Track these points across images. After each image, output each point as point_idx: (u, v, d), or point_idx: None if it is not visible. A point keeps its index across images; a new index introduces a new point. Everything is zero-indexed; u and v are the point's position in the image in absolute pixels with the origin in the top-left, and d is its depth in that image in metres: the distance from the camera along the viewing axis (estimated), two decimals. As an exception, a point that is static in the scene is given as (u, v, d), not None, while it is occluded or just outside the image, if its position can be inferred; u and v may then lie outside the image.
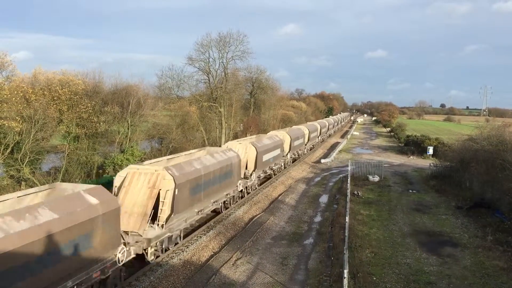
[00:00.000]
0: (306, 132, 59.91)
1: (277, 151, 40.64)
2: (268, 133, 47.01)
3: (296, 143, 51.01)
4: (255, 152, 32.76)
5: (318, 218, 28.92)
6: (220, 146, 44.31)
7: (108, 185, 21.91)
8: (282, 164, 44.31)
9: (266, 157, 36.01)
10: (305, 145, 59.18)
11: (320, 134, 75.01)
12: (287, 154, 46.55)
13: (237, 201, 29.50)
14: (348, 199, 30.28)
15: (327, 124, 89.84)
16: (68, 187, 15.51)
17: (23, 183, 32.01)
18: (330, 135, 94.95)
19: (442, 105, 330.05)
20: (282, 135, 46.02)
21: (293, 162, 50.79)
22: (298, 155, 54.33)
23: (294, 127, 60.73)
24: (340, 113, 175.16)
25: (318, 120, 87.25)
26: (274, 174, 40.85)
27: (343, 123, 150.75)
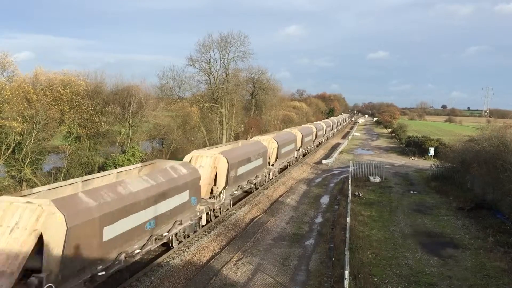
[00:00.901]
0: (272, 146, 39.91)
1: (181, 197, 20.52)
2: (178, 160, 25.14)
3: (244, 169, 30.01)
4: (64, 229, 12.76)
5: (319, 219, 28.90)
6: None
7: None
8: (196, 227, 22.78)
9: (122, 226, 15.66)
10: (271, 165, 37.46)
11: (302, 145, 52.75)
12: (220, 193, 25.91)
13: None
14: (349, 200, 30.24)
15: (314, 130, 64.64)
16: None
17: (24, 183, 32.09)
18: (320, 144, 74.30)
19: (444, 106, 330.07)
20: (210, 160, 26.13)
21: (234, 203, 29.06)
22: (254, 186, 33.42)
23: (256, 137, 40.95)
24: (341, 114, 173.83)
25: (302, 125, 66.37)
26: (180, 241, 21.29)
27: (340, 127, 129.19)
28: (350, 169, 42.83)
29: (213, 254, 21.29)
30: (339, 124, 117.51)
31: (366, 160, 56.11)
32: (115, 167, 35.80)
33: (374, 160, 55.75)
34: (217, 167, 26.12)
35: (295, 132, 52.10)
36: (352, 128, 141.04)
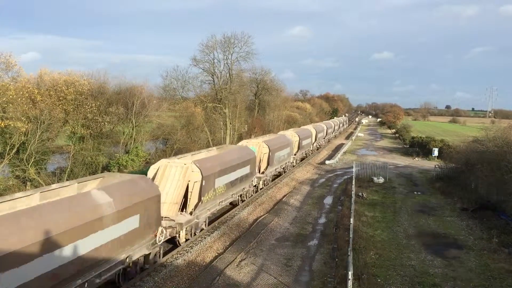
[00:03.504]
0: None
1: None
2: None
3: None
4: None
5: (322, 220, 28.86)
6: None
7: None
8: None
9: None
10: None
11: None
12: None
13: None
14: (352, 201, 30.23)
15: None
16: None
17: (28, 183, 32.20)
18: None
19: (448, 107, 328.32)
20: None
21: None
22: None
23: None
24: (344, 115, 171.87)
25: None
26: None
27: (323, 141, 73.78)
28: (354, 169, 42.74)
29: (216, 254, 21.29)
30: (316, 139, 63.42)
31: (369, 160, 56.04)
32: (119, 167, 35.90)
33: (377, 160, 55.66)
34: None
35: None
36: (355, 128, 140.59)
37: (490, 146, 31.52)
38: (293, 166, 47.09)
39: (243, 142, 34.94)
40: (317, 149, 66.39)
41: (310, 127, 62.73)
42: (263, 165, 34.67)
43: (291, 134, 47.47)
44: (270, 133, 52.14)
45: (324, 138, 75.01)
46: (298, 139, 48.33)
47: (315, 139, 61.72)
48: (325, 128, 76.46)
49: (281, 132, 49.39)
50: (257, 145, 34.52)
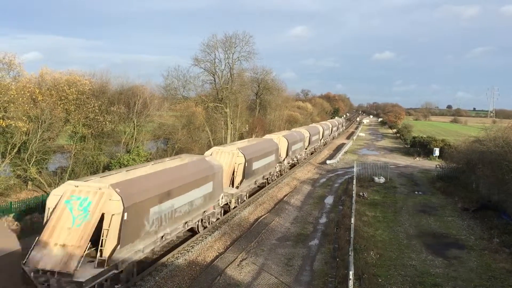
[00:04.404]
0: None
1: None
2: None
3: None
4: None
5: (323, 219, 28.87)
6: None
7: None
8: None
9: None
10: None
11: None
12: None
13: None
14: (353, 200, 30.21)
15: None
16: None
17: (29, 182, 32.24)
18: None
19: (449, 107, 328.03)
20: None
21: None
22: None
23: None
24: (345, 115, 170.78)
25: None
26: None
27: (304, 154, 54.62)
28: (355, 169, 42.75)
29: (217, 254, 21.31)
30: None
31: (370, 160, 56.01)
32: (120, 167, 35.83)
33: (379, 160, 55.62)
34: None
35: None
36: (357, 128, 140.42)
37: (491, 146, 31.49)
38: (219, 218, 25.41)
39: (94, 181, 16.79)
40: (290, 168, 45.69)
41: (275, 136, 42.86)
42: (110, 239, 14.98)
43: (232, 153, 28.84)
44: (188, 154, 29.62)
45: (305, 149, 54.45)
46: (243, 161, 28.90)
47: (286, 155, 42.53)
48: (307, 135, 54.63)
49: (214, 148, 29.97)
50: (94, 194, 15.42)
